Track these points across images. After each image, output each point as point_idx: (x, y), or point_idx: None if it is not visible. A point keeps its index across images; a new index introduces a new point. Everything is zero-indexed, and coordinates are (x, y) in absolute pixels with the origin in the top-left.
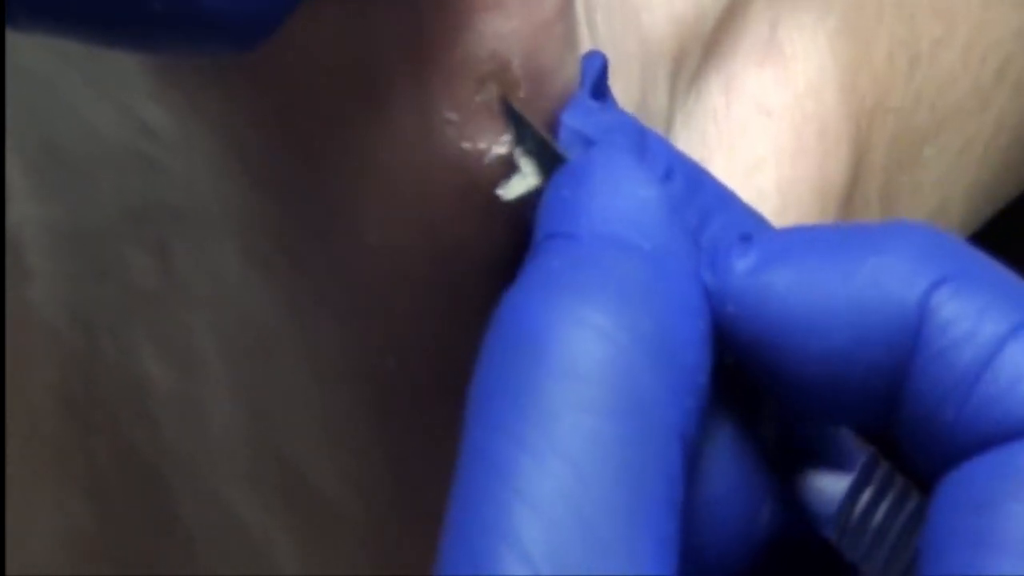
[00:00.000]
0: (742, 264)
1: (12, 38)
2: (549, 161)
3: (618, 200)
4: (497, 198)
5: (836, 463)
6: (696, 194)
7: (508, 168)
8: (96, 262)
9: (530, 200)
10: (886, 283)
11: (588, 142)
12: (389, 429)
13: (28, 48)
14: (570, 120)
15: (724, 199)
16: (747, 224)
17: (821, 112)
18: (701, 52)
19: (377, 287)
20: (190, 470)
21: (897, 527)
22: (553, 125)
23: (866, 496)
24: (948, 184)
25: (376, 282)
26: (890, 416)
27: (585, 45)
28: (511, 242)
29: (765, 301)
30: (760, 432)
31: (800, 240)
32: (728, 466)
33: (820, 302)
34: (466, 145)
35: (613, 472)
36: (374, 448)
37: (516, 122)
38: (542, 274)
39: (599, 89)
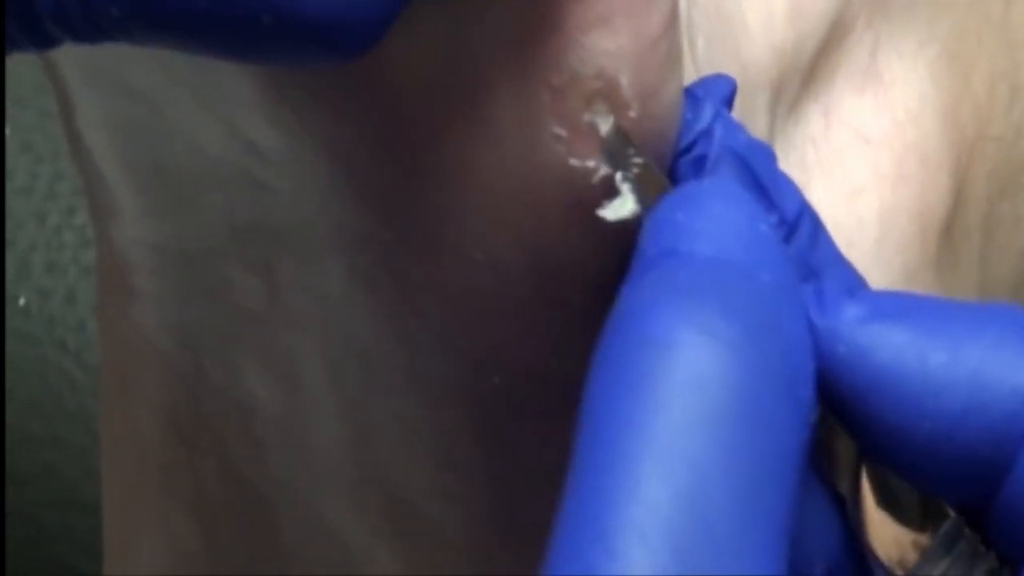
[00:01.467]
0: (852, 312)
1: (122, 57)
2: (650, 187)
3: (737, 229)
4: (600, 217)
5: (914, 527)
6: (817, 242)
7: (611, 190)
8: (202, 282)
9: (630, 224)
10: (1006, 355)
11: (737, 156)
12: (492, 448)
13: (138, 68)
14: (722, 133)
15: (837, 254)
16: (855, 282)
17: (921, 140)
18: (800, 79)
19: (481, 304)
20: (294, 491)
21: None
22: (659, 143)
23: (943, 565)
24: None
25: (480, 299)
26: (987, 489)
27: (687, 69)
28: (617, 260)
29: (878, 350)
30: (836, 485)
31: (911, 300)
32: (805, 515)
33: (938, 361)
34: (574, 162)
35: (736, 484)
36: (477, 467)
37: (618, 145)
38: (667, 284)
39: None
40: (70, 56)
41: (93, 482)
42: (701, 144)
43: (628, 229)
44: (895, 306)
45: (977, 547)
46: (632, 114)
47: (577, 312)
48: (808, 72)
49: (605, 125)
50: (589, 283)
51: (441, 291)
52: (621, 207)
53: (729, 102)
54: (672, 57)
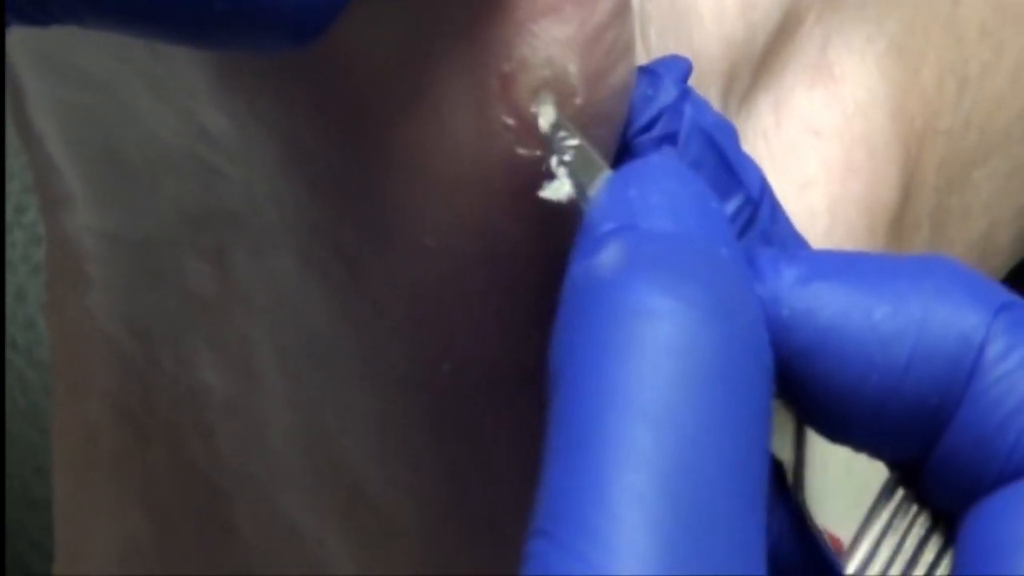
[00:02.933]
0: (791, 274)
1: (73, 43)
2: (586, 170)
3: (690, 205)
4: (552, 206)
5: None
6: (776, 217)
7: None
8: (154, 270)
9: (572, 208)
10: (949, 303)
11: (705, 135)
12: (444, 436)
13: (89, 55)
14: (692, 111)
15: (792, 228)
16: (798, 244)
17: (870, 133)
18: (751, 71)
19: (433, 292)
20: (246, 479)
21: (908, 548)
22: (605, 128)
23: (883, 518)
24: (997, 207)
25: (432, 287)
26: (928, 440)
27: (640, 60)
28: (568, 247)
29: (821, 308)
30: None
31: (847, 259)
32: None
33: (883, 314)
34: (522, 151)
35: (726, 445)
36: (429, 456)
37: (555, 129)
38: (637, 256)
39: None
40: (21, 43)
41: (43, 479)
42: (668, 122)
43: (578, 216)
44: (833, 264)
45: (911, 506)
46: (578, 101)
47: (528, 299)
48: (759, 64)
49: (551, 112)
50: (539, 270)
51: (393, 278)
52: (558, 190)
53: (686, 82)
54: (621, 45)
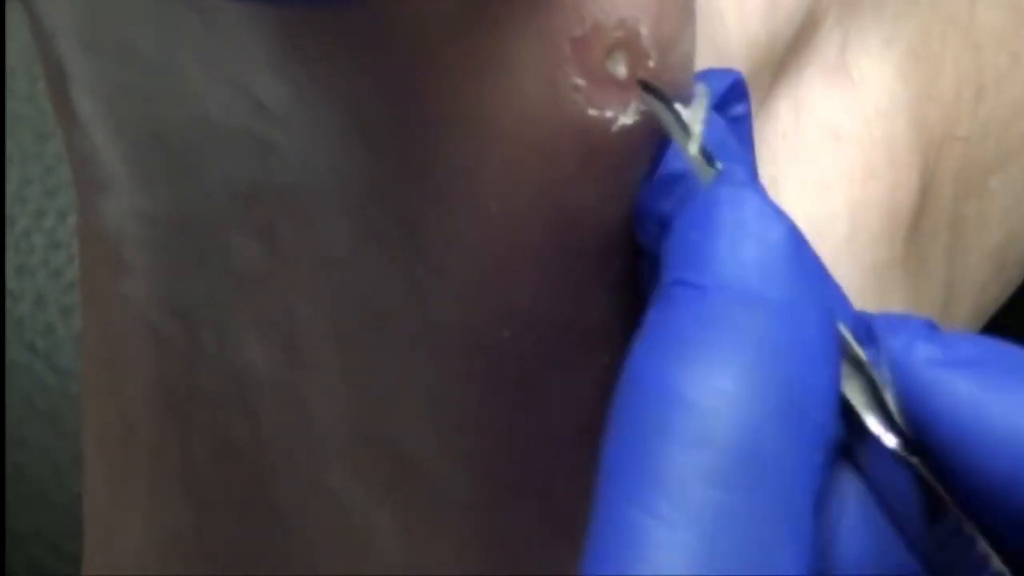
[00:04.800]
0: (925, 351)
1: (122, 21)
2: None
3: (746, 245)
4: (620, 168)
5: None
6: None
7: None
8: (198, 251)
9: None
10: None
11: (739, 163)
12: (502, 402)
13: (138, 32)
14: (711, 135)
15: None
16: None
17: (890, 138)
18: (772, 73)
19: (496, 256)
20: (290, 458)
21: None
22: (675, 94)
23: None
24: (1014, 217)
25: (495, 251)
26: None
27: None
28: (632, 211)
29: (955, 403)
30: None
31: (985, 351)
32: (860, 524)
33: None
34: (592, 113)
35: (746, 546)
36: (486, 422)
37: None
38: (669, 332)
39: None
40: (69, 25)
41: (62, 483)
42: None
43: (643, 182)
44: (973, 352)
45: (981, 544)
46: (651, 64)
47: (592, 262)
48: (780, 66)
49: (623, 75)
50: (604, 233)
51: (455, 244)
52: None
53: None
54: (688, 8)
